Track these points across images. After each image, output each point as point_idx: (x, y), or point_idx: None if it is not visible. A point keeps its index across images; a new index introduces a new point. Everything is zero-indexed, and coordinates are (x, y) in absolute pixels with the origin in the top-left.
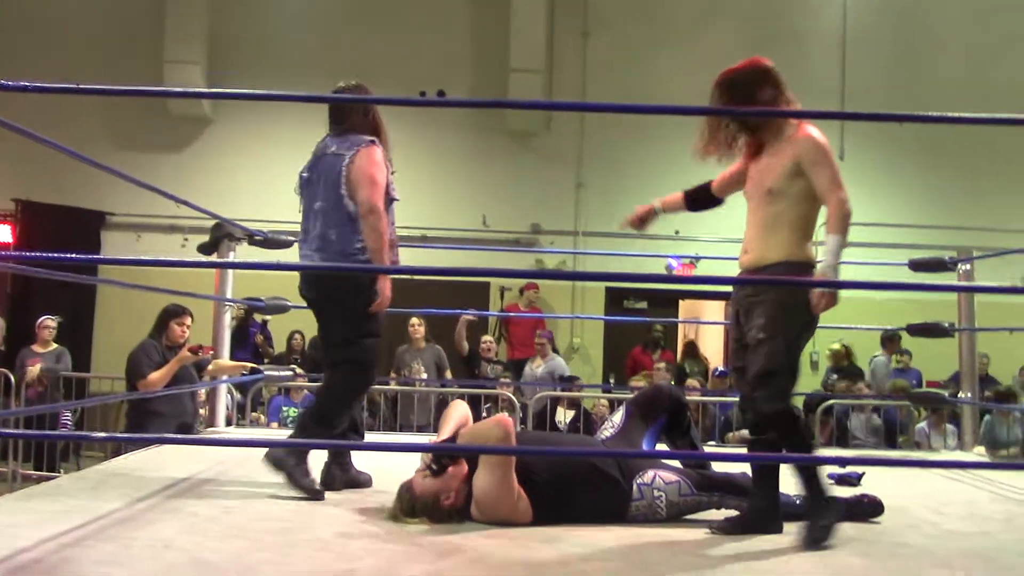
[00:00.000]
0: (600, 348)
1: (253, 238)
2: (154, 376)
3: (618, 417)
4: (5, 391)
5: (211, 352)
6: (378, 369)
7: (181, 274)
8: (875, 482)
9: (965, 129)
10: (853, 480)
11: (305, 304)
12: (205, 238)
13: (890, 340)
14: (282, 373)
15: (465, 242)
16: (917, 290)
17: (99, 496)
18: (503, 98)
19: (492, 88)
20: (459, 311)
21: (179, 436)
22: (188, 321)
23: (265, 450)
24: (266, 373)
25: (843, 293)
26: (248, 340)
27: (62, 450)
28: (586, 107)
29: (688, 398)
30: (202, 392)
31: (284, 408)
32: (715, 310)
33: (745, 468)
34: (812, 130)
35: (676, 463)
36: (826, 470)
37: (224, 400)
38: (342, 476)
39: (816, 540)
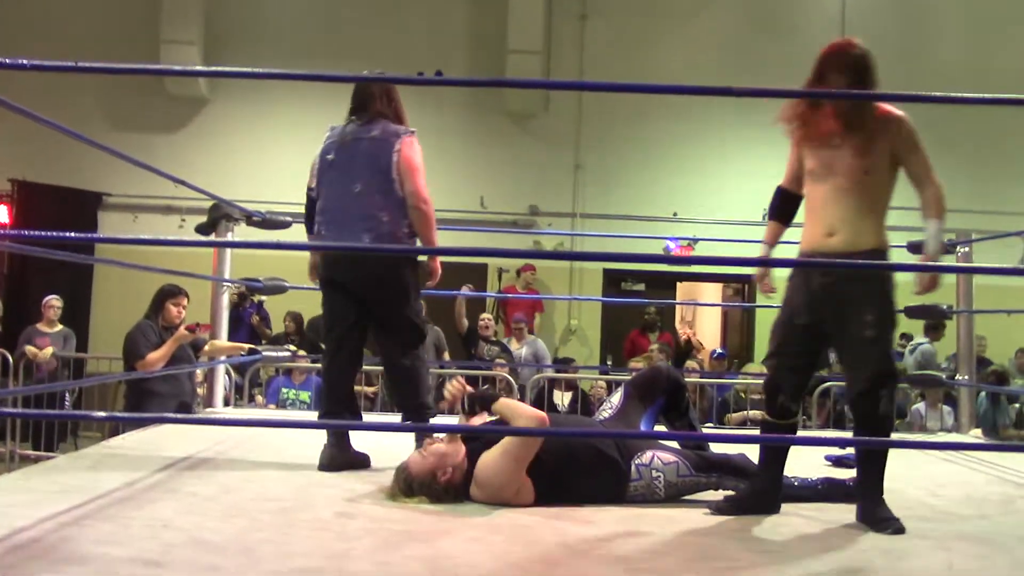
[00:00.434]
0: (598, 330)
1: (251, 219)
2: (152, 356)
3: (616, 398)
4: (3, 371)
5: (208, 329)
6: None
7: (178, 255)
8: None
9: (965, 111)
10: (851, 462)
11: (317, 286)
12: (203, 219)
13: (935, 328)
14: (280, 354)
15: (463, 224)
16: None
17: (97, 476)
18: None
19: (490, 70)
20: (456, 292)
21: (178, 416)
22: (184, 302)
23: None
24: (264, 354)
25: None
26: (243, 321)
27: (60, 431)
28: (584, 86)
29: (686, 379)
30: (200, 373)
31: (284, 389)
32: (713, 292)
33: (742, 449)
34: (899, 111)
35: (675, 444)
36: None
37: (222, 381)
38: (341, 456)
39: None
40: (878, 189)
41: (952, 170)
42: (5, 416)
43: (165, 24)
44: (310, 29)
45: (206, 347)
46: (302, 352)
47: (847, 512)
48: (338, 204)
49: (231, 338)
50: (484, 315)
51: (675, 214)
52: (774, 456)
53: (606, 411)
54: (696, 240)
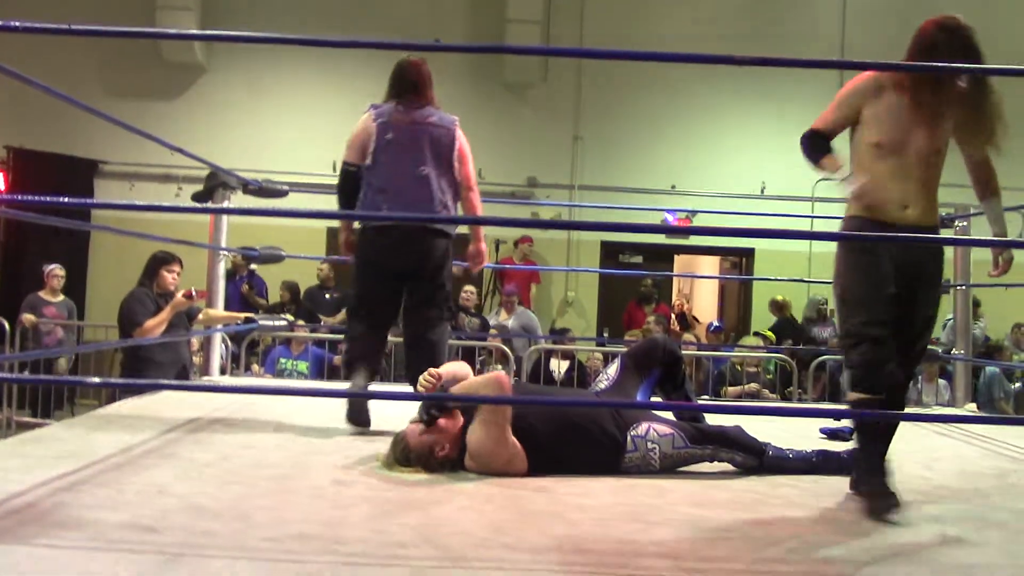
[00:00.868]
0: (595, 302)
1: (247, 187)
2: (150, 323)
3: (613, 370)
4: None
5: (204, 296)
6: None
7: (175, 224)
8: None
9: None
10: (845, 435)
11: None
12: (199, 187)
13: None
14: (276, 323)
15: None
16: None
17: (93, 442)
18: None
19: (489, 39)
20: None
21: (174, 383)
22: (178, 268)
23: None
24: (260, 323)
25: (835, 249)
26: (236, 290)
27: (56, 398)
28: (583, 53)
29: (683, 352)
30: (195, 341)
31: (282, 359)
32: (710, 265)
33: (736, 422)
34: None
35: (670, 416)
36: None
37: (219, 349)
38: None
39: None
40: (941, 167)
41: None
42: (1, 382)
43: None
44: None
45: (200, 316)
46: (301, 322)
47: (841, 484)
48: (403, 184)
49: (224, 308)
50: (467, 287)
51: (673, 186)
52: (881, 439)
53: (602, 383)
54: (694, 212)
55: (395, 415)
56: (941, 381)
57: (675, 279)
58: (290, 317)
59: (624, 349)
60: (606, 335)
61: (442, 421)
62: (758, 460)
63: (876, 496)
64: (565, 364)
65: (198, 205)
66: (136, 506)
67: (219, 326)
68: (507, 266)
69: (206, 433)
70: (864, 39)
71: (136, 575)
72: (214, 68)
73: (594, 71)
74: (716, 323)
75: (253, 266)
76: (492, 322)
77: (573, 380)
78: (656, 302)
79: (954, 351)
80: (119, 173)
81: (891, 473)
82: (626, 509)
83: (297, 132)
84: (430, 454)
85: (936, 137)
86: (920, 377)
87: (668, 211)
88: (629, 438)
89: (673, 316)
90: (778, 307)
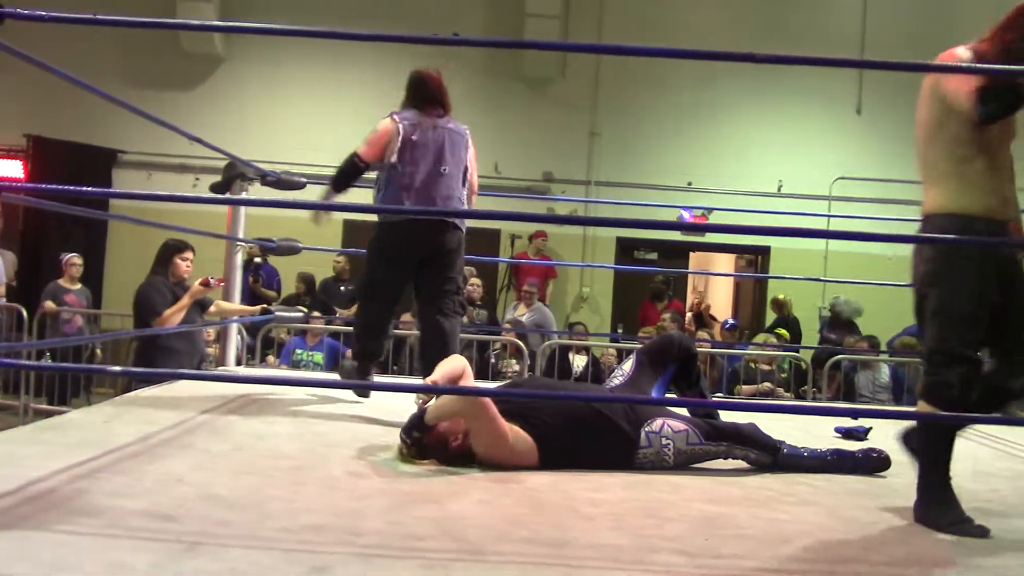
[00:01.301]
0: (609, 299)
1: (265, 179)
2: (169, 312)
3: (628, 366)
4: (18, 326)
5: (221, 283)
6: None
7: (192, 214)
8: (882, 437)
9: None
10: (860, 434)
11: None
12: (217, 178)
13: None
14: (292, 314)
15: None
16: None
17: (111, 430)
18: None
19: (507, 33)
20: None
21: (193, 372)
22: (191, 256)
23: None
24: (276, 314)
25: (853, 249)
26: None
27: (74, 386)
28: (602, 49)
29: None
30: (211, 332)
31: (298, 351)
32: (726, 262)
33: (750, 419)
34: None
35: (685, 412)
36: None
37: (235, 340)
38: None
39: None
40: None
41: None
42: (21, 369)
43: None
44: None
45: (212, 307)
46: (316, 313)
47: (857, 484)
48: (428, 180)
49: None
50: (473, 280)
51: (690, 184)
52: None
53: (617, 378)
54: (710, 210)
55: (411, 408)
56: None
57: (690, 276)
58: (304, 309)
59: (638, 346)
60: (620, 331)
61: (443, 425)
62: (772, 458)
63: (967, 530)
64: (582, 359)
65: (216, 196)
66: (154, 494)
67: (234, 317)
68: (521, 260)
69: (222, 423)
70: (885, 36)
71: (154, 563)
72: (233, 59)
73: (612, 67)
74: (731, 321)
75: (257, 259)
76: (509, 315)
77: (588, 375)
78: (669, 299)
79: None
80: (137, 163)
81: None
82: (640, 505)
83: (315, 124)
84: (444, 446)
85: (1010, 126)
86: None
87: (684, 208)
88: (643, 434)
89: (690, 314)
90: (778, 305)
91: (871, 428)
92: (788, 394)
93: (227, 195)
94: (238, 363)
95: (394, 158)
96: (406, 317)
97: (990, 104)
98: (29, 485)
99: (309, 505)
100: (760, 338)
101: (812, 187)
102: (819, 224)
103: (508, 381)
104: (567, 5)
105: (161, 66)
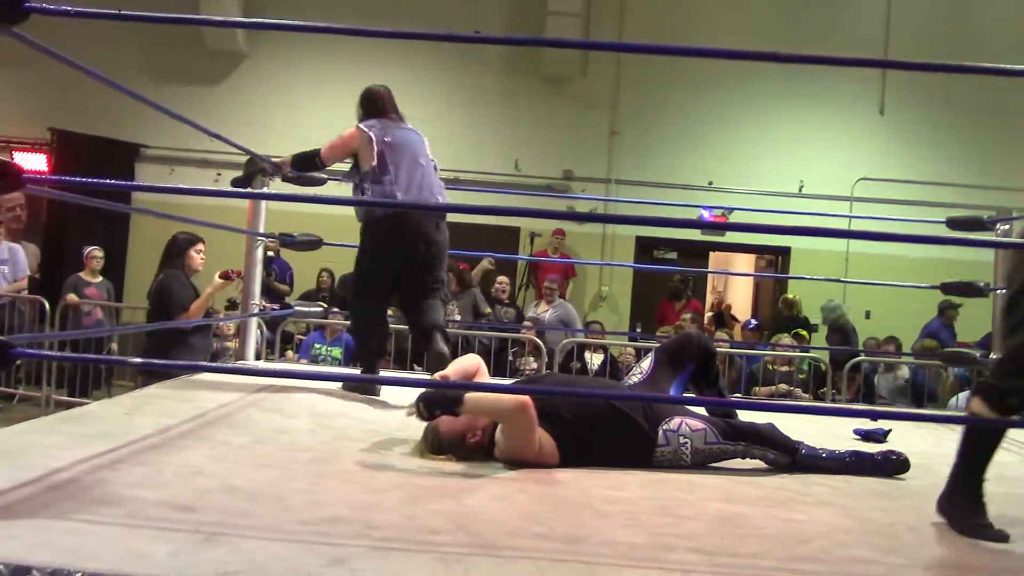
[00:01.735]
0: (628, 298)
1: (287, 174)
2: (195, 306)
3: (646, 364)
4: (40, 318)
5: (240, 275)
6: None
7: (213, 209)
8: (902, 440)
9: (1012, 86)
10: (879, 437)
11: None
12: (238, 173)
13: (946, 310)
14: (311, 309)
15: (496, 186)
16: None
17: (131, 422)
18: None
19: (529, 32)
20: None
21: (213, 365)
22: (203, 247)
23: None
24: (296, 308)
25: (875, 251)
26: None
27: (95, 378)
28: (623, 47)
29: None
30: (232, 326)
31: (316, 345)
32: (746, 263)
33: (768, 419)
34: None
35: (703, 411)
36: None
37: (254, 335)
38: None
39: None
40: None
41: (995, 145)
42: (44, 359)
43: None
44: None
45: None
46: (336, 309)
47: (875, 485)
48: (412, 175)
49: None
50: (501, 278)
51: (710, 183)
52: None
53: (635, 376)
54: (731, 210)
55: None
56: None
57: (709, 276)
58: (324, 305)
59: (656, 345)
60: (639, 331)
61: (462, 420)
62: (790, 458)
63: (988, 535)
64: (599, 357)
65: (238, 190)
66: (173, 485)
67: (255, 311)
68: (541, 259)
69: (241, 417)
70: (909, 38)
71: (172, 552)
72: (256, 56)
73: (633, 66)
74: (754, 321)
75: (270, 253)
76: (529, 313)
77: (606, 373)
78: (687, 299)
79: (992, 356)
80: (160, 157)
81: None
82: (657, 503)
83: (336, 120)
84: (461, 441)
85: None
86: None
87: (704, 208)
88: (661, 432)
89: (710, 314)
90: (788, 305)
91: (891, 430)
92: (806, 395)
93: (248, 190)
94: (257, 357)
95: (374, 162)
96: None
97: None
98: (50, 474)
99: (326, 498)
100: (784, 338)
101: (834, 188)
102: (840, 225)
103: (524, 378)
104: (588, 4)
105: (184, 62)
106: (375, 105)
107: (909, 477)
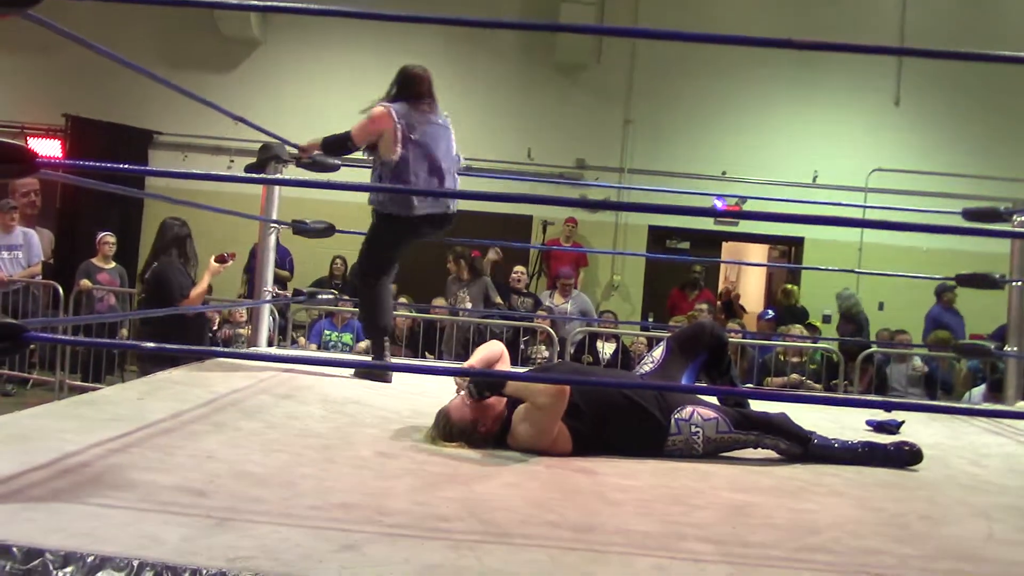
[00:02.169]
0: (640, 287)
1: (300, 160)
2: (195, 292)
3: (658, 353)
4: (54, 303)
5: (234, 257)
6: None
7: (226, 196)
8: (915, 431)
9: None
10: (892, 428)
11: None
12: (251, 160)
13: (943, 293)
14: (323, 296)
15: (509, 174)
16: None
17: (144, 407)
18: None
19: (543, 18)
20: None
21: (227, 350)
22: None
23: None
24: (306, 295)
25: (888, 241)
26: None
27: (108, 363)
28: (637, 33)
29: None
30: (244, 312)
31: (327, 332)
32: (759, 252)
33: (781, 409)
34: None
35: (715, 401)
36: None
37: (267, 321)
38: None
39: None
40: None
41: (1012, 136)
42: (58, 344)
43: None
44: None
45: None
46: (346, 296)
47: (888, 477)
48: (431, 180)
49: (250, 277)
50: (518, 268)
51: (724, 172)
52: None
53: (647, 365)
54: (744, 199)
55: (439, 391)
56: None
57: (722, 266)
58: (335, 292)
59: (668, 334)
60: (651, 320)
61: (475, 409)
62: (803, 448)
63: None
64: (611, 346)
65: (251, 175)
66: (186, 470)
67: (265, 296)
68: (552, 247)
69: (253, 402)
70: (925, 24)
71: (185, 537)
72: (270, 43)
73: (647, 54)
74: (770, 312)
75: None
76: (545, 304)
77: (618, 362)
78: (700, 289)
79: (1007, 347)
80: (173, 144)
81: None
82: (668, 492)
83: (350, 106)
84: (472, 430)
85: None
86: (985, 387)
87: (718, 197)
88: (673, 421)
89: (719, 304)
90: (785, 295)
91: (903, 422)
92: (818, 386)
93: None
94: (269, 344)
95: (396, 156)
96: (438, 300)
97: None
98: (64, 458)
99: (338, 484)
100: (795, 330)
101: (848, 178)
102: (855, 215)
103: (537, 367)
104: None
105: (198, 49)
106: (410, 87)
107: (922, 468)
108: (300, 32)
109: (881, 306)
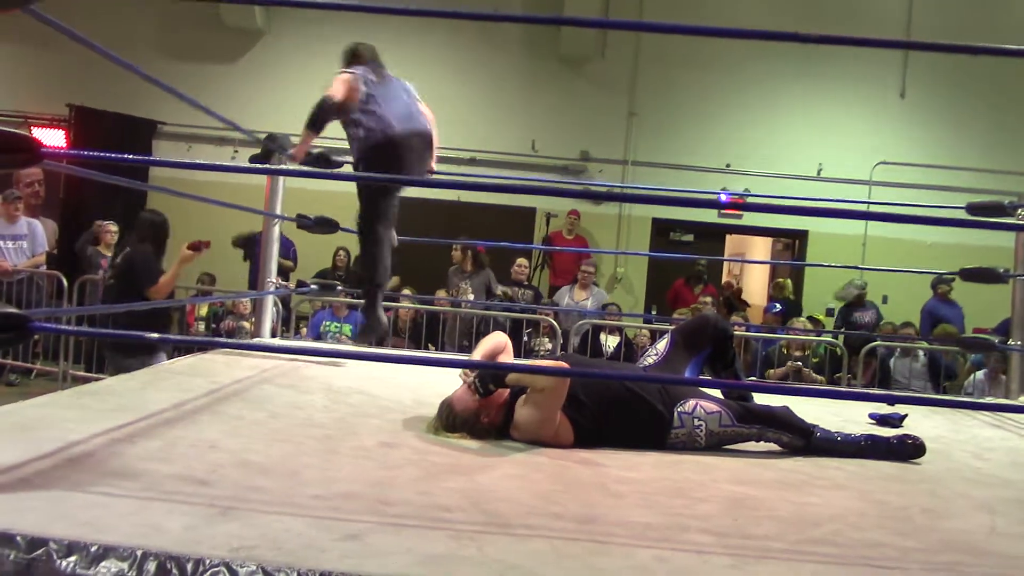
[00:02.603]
0: (643, 279)
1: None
2: (164, 279)
3: (662, 345)
4: (58, 294)
5: (208, 245)
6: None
7: (230, 188)
8: (918, 425)
9: None
10: (895, 421)
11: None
12: (256, 150)
13: (938, 285)
14: (327, 287)
15: (514, 166)
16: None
17: (147, 397)
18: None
19: (547, 11)
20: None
21: (230, 341)
22: None
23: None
24: (312, 287)
25: (892, 235)
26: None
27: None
28: (641, 26)
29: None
30: (247, 303)
31: (326, 322)
32: (762, 246)
33: (784, 403)
34: None
35: (718, 394)
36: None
37: (270, 312)
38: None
39: None
40: None
41: (1017, 130)
42: (61, 334)
43: None
44: None
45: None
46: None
47: (891, 470)
48: (404, 110)
49: (253, 268)
50: (520, 260)
51: (728, 165)
52: None
53: (651, 358)
54: (748, 193)
55: (442, 381)
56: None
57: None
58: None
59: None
60: (654, 312)
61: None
62: (805, 441)
63: None
64: (614, 339)
65: (255, 166)
66: (188, 459)
67: (272, 288)
68: (553, 248)
69: (256, 392)
70: (932, 18)
71: (188, 526)
72: (273, 33)
73: (651, 47)
74: (778, 306)
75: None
76: (565, 300)
77: (621, 354)
78: (705, 283)
79: (1011, 341)
80: (177, 134)
81: None
82: (671, 484)
83: None
84: (475, 420)
85: None
86: (984, 373)
87: (721, 191)
88: (676, 414)
89: (721, 298)
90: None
91: (906, 415)
92: (820, 377)
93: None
94: (273, 335)
95: (364, 89)
96: (441, 292)
97: None
98: (68, 447)
99: (341, 474)
100: (798, 323)
101: (853, 172)
102: (859, 209)
103: (540, 358)
104: None
105: (202, 40)
106: (356, 57)
107: (924, 462)
108: (303, 23)
109: (885, 299)
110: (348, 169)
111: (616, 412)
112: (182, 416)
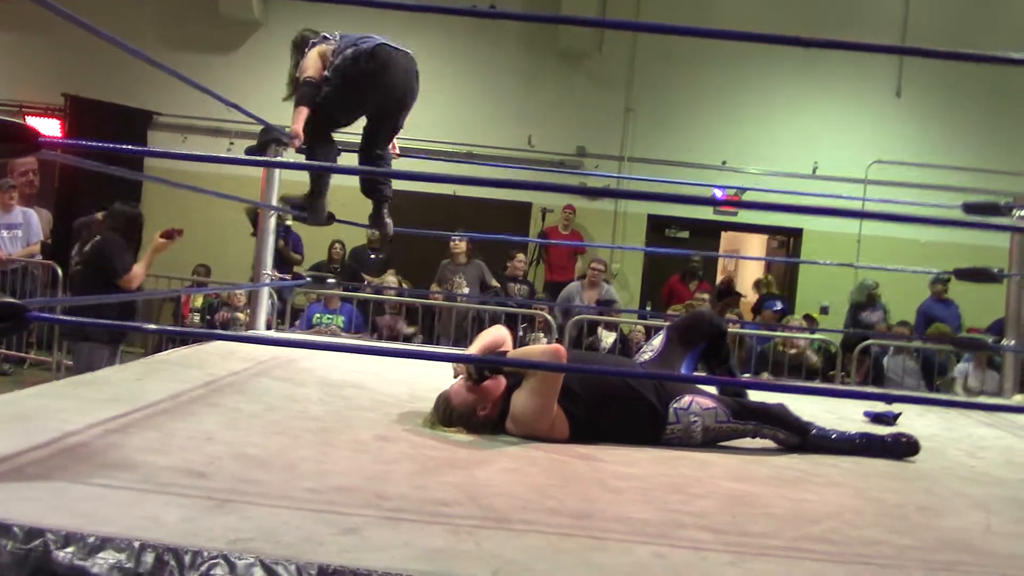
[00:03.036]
0: (639, 275)
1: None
2: (137, 268)
3: (657, 341)
4: (52, 283)
5: (181, 234)
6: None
7: (225, 179)
8: (912, 423)
9: None
10: (889, 419)
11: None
12: (251, 142)
13: (932, 285)
14: (325, 282)
15: (510, 161)
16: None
17: (143, 388)
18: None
19: (545, 7)
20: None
21: (227, 333)
22: None
23: None
24: (308, 280)
25: (887, 233)
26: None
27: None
28: (640, 27)
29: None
30: (242, 296)
31: (318, 315)
32: (757, 243)
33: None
34: None
35: (714, 390)
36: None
37: (265, 305)
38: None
39: None
40: None
41: (1013, 130)
42: (55, 324)
43: None
44: None
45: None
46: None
47: (885, 466)
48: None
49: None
50: (519, 256)
51: (724, 162)
52: None
53: (646, 354)
54: (744, 190)
55: (439, 376)
56: (991, 373)
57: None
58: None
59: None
60: (649, 308)
61: (488, 382)
62: (801, 438)
63: None
64: (612, 336)
65: (251, 158)
66: (185, 451)
67: (267, 280)
68: (550, 241)
69: (252, 385)
70: (929, 19)
71: (185, 518)
72: (270, 24)
73: (649, 43)
74: (779, 304)
75: (288, 222)
76: (576, 301)
77: (616, 351)
78: (700, 279)
79: (1004, 341)
80: (173, 125)
81: None
82: (668, 480)
83: None
84: (472, 414)
85: None
86: (969, 363)
87: (717, 187)
88: (671, 410)
89: (716, 290)
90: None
91: (901, 413)
92: (815, 358)
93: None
94: (268, 327)
95: (334, 57)
96: (433, 287)
97: None
98: (63, 438)
99: (338, 467)
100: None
101: (848, 170)
102: (854, 207)
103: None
104: None
105: (198, 30)
106: (306, 40)
107: (919, 460)
108: (301, 15)
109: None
110: (346, 157)
111: (612, 406)
112: (178, 407)
